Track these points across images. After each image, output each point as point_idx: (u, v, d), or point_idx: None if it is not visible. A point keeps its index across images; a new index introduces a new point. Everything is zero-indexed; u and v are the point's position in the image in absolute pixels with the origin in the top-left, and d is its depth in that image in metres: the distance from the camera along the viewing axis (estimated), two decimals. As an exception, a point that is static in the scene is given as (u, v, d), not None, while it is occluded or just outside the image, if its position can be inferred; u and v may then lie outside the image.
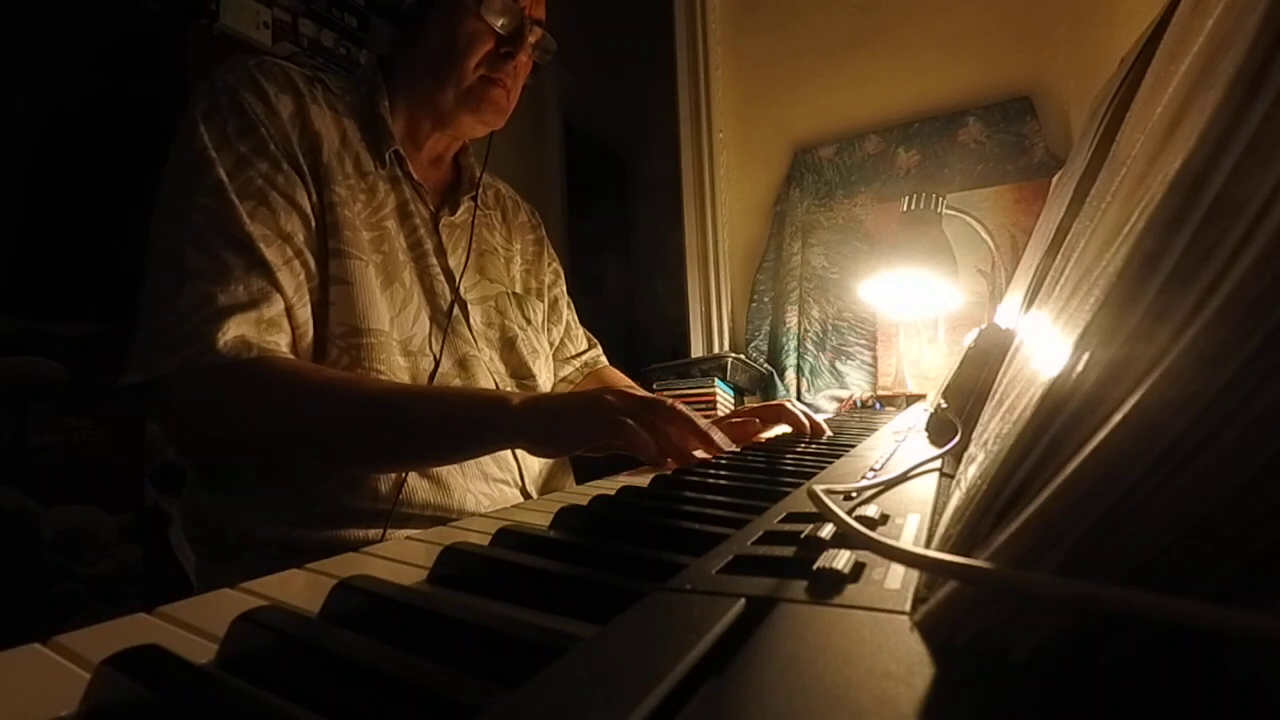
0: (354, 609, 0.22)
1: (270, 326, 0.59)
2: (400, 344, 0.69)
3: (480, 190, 0.84)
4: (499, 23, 0.72)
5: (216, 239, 0.58)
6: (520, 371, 0.82)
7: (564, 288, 1.01)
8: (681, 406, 0.55)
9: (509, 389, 0.78)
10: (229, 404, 0.58)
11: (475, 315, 0.78)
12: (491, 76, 0.73)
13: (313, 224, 0.64)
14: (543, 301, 0.94)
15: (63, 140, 1.39)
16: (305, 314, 0.63)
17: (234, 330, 0.56)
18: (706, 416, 0.59)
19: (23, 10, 1.33)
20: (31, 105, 1.36)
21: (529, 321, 0.87)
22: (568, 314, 1.01)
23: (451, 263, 0.77)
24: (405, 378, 0.68)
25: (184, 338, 0.55)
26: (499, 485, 0.72)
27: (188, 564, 0.69)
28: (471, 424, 0.57)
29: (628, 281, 3.02)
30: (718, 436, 0.55)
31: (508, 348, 0.82)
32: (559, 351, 0.99)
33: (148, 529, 1.35)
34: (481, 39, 0.71)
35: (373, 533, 0.63)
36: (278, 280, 0.59)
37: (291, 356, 0.60)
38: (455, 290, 0.76)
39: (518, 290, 0.88)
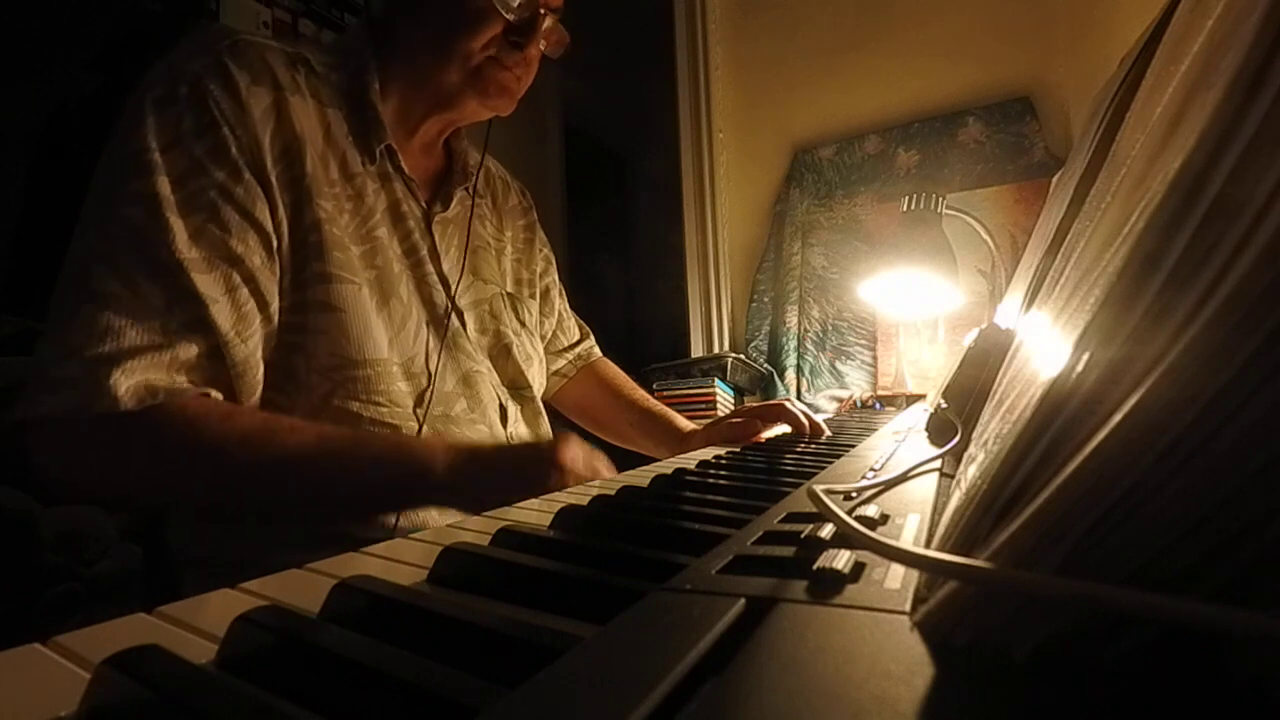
0: (354, 609, 0.22)
1: (185, 369, 0.51)
2: (402, 366, 0.63)
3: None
4: (513, 4, 0.63)
5: (135, 260, 0.49)
6: (517, 381, 0.77)
7: (555, 275, 0.95)
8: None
9: (506, 401, 0.75)
10: (117, 458, 0.49)
11: (469, 321, 0.73)
12: (500, 60, 0.66)
13: (274, 243, 0.56)
14: (534, 297, 0.88)
15: (63, 140, 1.39)
16: (250, 349, 0.54)
17: (140, 374, 0.48)
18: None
19: (23, 10, 1.33)
20: (32, 105, 1.36)
21: (523, 325, 0.81)
22: (560, 303, 0.96)
23: (446, 266, 0.71)
24: (409, 404, 0.63)
25: (69, 378, 0.46)
26: None
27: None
28: (396, 491, 0.53)
29: (628, 281, 3.02)
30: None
31: (503, 355, 0.76)
32: (551, 344, 0.95)
33: (148, 529, 1.34)
34: (488, 20, 0.64)
35: None
36: (208, 315, 0.51)
37: (199, 395, 0.51)
38: (451, 299, 0.70)
39: (510, 289, 0.82)
